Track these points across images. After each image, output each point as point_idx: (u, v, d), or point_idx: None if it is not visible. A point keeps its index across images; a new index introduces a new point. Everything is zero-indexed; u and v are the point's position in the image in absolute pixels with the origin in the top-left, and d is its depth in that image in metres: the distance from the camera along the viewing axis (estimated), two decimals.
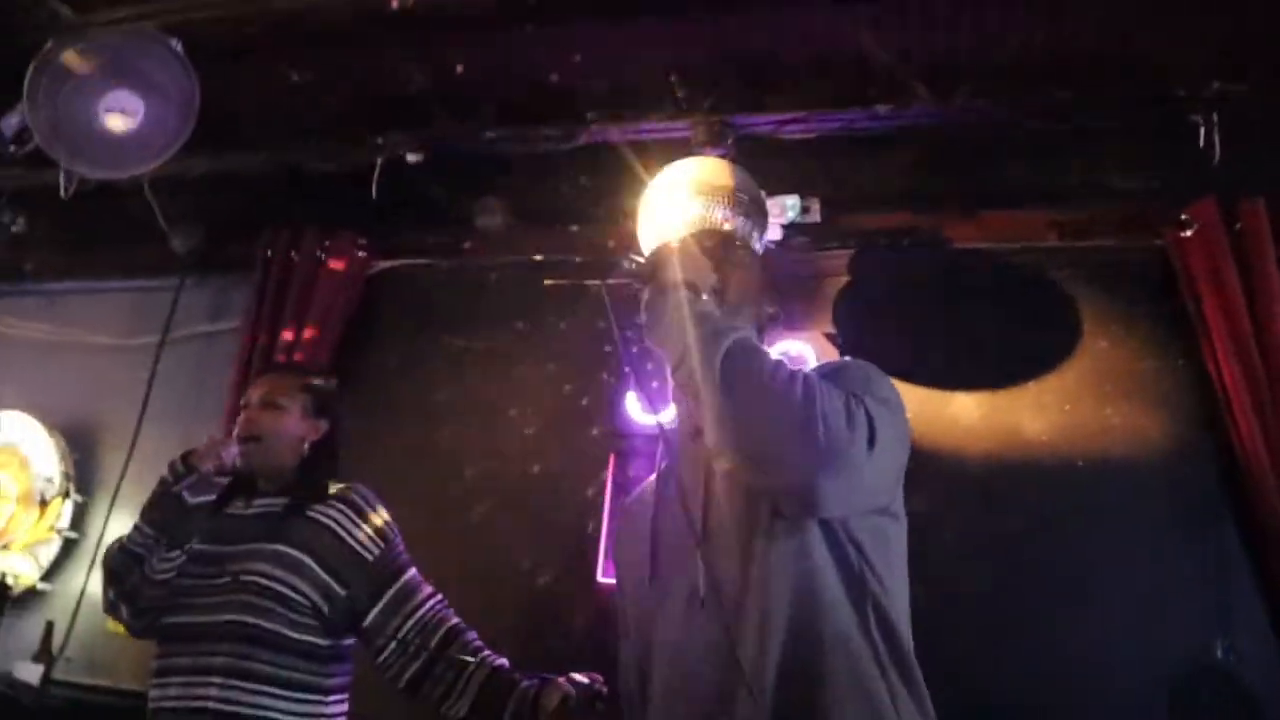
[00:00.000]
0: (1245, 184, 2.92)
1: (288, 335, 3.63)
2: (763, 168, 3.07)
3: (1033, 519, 2.84)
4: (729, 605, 1.41)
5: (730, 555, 1.45)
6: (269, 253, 3.76)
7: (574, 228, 3.48)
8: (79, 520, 3.81)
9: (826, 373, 1.48)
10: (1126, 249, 3.07)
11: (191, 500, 2.28)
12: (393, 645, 2.18)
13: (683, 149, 3.04)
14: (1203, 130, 2.85)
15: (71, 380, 4.01)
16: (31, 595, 3.73)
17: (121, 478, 3.63)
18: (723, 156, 2.93)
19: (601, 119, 3.10)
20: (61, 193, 3.27)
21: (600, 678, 1.95)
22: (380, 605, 2.22)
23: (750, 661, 1.36)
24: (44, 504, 3.78)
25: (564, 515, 3.15)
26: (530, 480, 3.27)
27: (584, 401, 3.31)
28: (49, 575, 3.75)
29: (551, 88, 3.14)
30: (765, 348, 1.65)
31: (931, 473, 2.95)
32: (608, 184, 3.23)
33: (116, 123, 3.05)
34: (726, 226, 2.71)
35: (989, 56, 2.89)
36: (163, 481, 2.26)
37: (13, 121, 3.10)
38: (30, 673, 3.46)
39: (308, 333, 3.62)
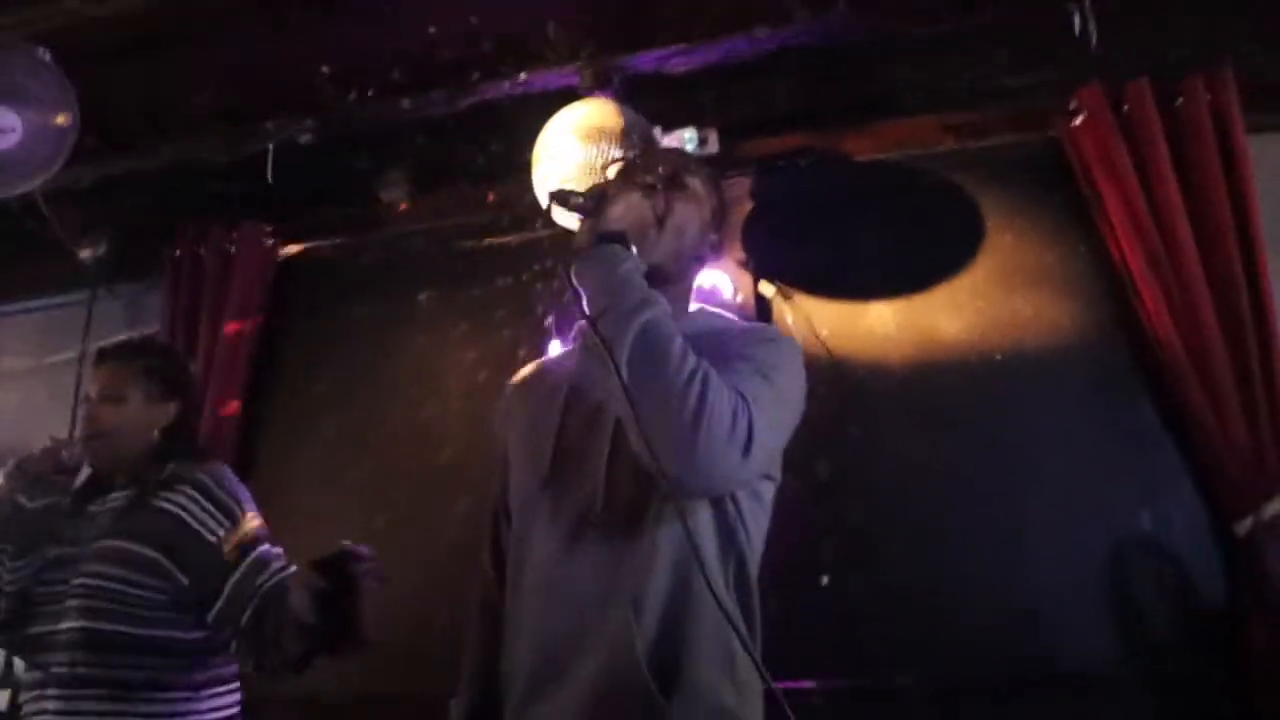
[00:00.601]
0: (1129, 67, 2.96)
1: (206, 332, 3.62)
2: (656, 105, 3.10)
3: (957, 415, 2.90)
4: (618, 534, 1.49)
5: (626, 489, 1.51)
6: (177, 253, 3.73)
7: (476, 188, 3.46)
8: None
9: (740, 351, 1.54)
10: (1021, 144, 3.10)
11: (30, 504, 2.19)
12: (236, 641, 2.11)
13: (574, 96, 3.04)
14: (1077, 18, 2.89)
15: None
16: None
17: None
18: (611, 98, 2.93)
19: (487, 77, 3.08)
20: None
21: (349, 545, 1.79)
22: (227, 591, 2.11)
23: (633, 595, 1.44)
24: None
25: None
26: (461, 445, 3.29)
27: (511, 355, 3.32)
28: None
29: (436, 51, 3.11)
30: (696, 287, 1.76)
31: (855, 384, 3.01)
32: (504, 140, 3.23)
33: None
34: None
35: None
36: None
37: None
38: None
39: (228, 327, 3.61)
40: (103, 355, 2.31)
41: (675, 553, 1.47)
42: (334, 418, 3.58)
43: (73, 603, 2.07)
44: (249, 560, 2.14)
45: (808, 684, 2.76)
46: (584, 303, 1.47)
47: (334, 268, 3.72)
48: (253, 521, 2.20)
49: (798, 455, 2.88)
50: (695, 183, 1.72)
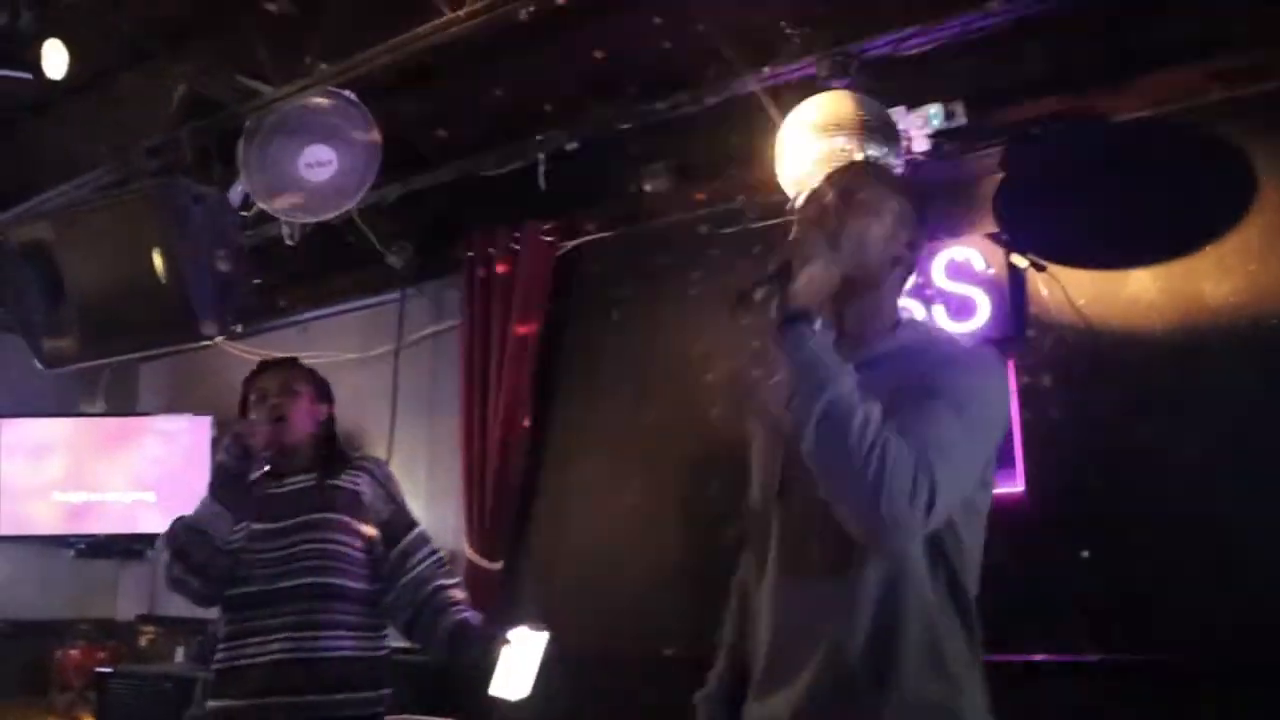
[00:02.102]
0: None
1: (499, 320, 4.07)
2: (899, 85, 3.13)
3: (1228, 388, 2.77)
4: (831, 565, 1.61)
5: (836, 527, 1.58)
6: (470, 254, 4.19)
7: (731, 177, 3.63)
8: None
9: (936, 383, 1.58)
10: None
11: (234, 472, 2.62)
12: (390, 596, 2.61)
13: (815, 85, 3.12)
14: None
15: None
16: None
17: None
18: (848, 87, 3.00)
19: (730, 74, 3.23)
20: (287, 240, 3.79)
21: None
22: (389, 560, 2.62)
23: (848, 610, 1.59)
24: None
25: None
26: (724, 423, 3.52)
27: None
28: None
29: (682, 54, 3.30)
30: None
31: (1114, 356, 2.94)
32: (754, 130, 3.35)
33: (316, 176, 3.50)
34: (856, 156, 2.82)
35: None
36: (223, 465, 2.59)
37: (237, 192, 3.60)
38: None
39: (518, 315, 4.03)
40: (265, 366, 2.78)
41: (882, 578, 1.59)
42: (612, 393, 3.95)
43: (294, 564, 2.54)
44: (407, 540, 2.65)
45: (1091, 658, 2.80)
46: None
47: (607, 258, 4.05)
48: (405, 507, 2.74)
49: (1052, 429, 2.92)
50: (865, 194, 1.75)
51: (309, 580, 2.52)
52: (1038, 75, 3.14)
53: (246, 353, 5.00)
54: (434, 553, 2.69)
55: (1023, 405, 3.00)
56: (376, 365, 4.45)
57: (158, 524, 5.20)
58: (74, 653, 5.18)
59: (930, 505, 1.46)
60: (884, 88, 3.07)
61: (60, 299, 3.61)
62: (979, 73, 3.16)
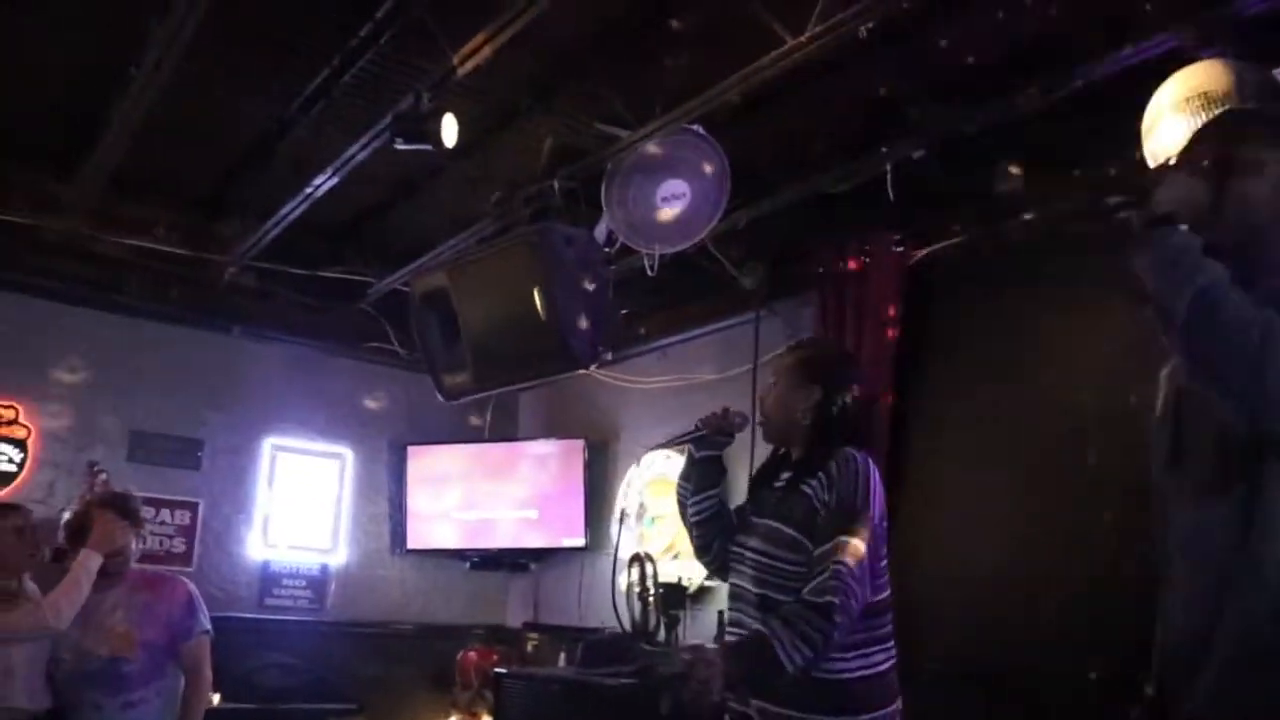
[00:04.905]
0: None
1: (853, 335, 4.10)
2: None
3: None
4: (1233, 514, 1.55)
5: (1231, 468, 1.57)
6: (821, 270, 4.27)
7: (1090, 170, 3.45)
8: None
9: None
10: None
11: (698, 454, 2.66)
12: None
13: (1184, 58, 2.92)
14: None
15: (687, 416, 4.81)
16: (704, 592, 4.62)
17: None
18: (1221, 55, 2.77)
19: (1083, 59, 3.09)
20: (648, 270, 4.05)
21: None
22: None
23: (1251, 560, 1.52)
24: None
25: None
26: (1096, 426, 3.37)
27: (1146, 335, 3.26)
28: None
29: (1027, 44, 3.21)
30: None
31: None
32: (1115, 116, 3.18)
33: (673, 208, 3.73)
34: None
35: None
36: (688, 435, 2.67)
37: (601, 229, 3.91)
38: None
39: (870, 329, 4.06)
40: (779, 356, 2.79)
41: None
42: (973, 403, 3.87)
43: (746, 569, 2.50)
44: (818, 551, 2.34)
45: None
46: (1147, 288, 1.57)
47: (960, 265, 3.98)
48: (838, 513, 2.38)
49: None
50: (1251, 149, 1.65)
51: (759, 591, 2.43)
52: None
53: (611, 378, 5.39)
54: (839, 568, 2.27)
55: None
56: (734, 385, 4.61)
57: (540, 540, 5.80)
58: (472, 654, 5.78)
59: None
60: (1264, 51, 2.81)
61: (456, 338, 4.08)
62: None
